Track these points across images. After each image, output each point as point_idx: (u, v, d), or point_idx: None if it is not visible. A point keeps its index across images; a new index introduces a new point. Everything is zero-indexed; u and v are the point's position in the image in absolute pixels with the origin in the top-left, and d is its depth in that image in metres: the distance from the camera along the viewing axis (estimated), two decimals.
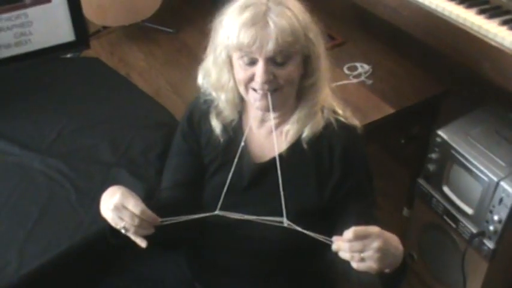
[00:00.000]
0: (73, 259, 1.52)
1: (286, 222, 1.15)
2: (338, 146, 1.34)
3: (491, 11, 1.72)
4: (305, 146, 1.35)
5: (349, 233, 1.04)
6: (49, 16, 2.36)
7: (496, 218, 1.72)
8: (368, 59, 2.23)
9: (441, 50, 1.82)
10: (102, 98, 2.19)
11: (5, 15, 2.28)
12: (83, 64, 2.51)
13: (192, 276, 1.53)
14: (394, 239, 1.11)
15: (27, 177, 1.76)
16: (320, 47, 1.32)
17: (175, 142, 1.51)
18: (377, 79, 2.13)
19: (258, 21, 1.22)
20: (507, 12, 1.71)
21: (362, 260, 1.05)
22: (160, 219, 1.15)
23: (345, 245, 1.05)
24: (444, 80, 2.13)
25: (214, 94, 1.40)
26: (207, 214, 1.20)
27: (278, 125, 1.38)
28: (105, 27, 3.73)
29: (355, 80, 2.13)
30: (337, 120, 1.36)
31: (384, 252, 1.05)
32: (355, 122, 1.38)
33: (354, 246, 1.04)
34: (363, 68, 2.18)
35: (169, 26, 3.82)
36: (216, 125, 1.41)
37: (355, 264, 1.06)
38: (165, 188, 1.47)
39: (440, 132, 1.87)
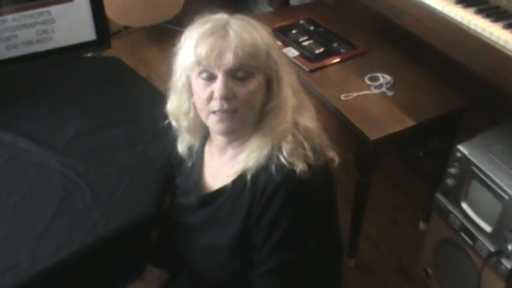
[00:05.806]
0: (85, 260, 1.51)
1: None
2: (270, 187, 1.21)
3: None
4: (248, 178, 1.24)
5: None
6: (71, 14, 2.37)
7: None
8: (390, 70, 2.20)
9: (465, 64, 1.80)
10: (121, 98, 2.19)
11: (28, 13, 2.29)
12: (103, 63, 2.51)
13: None
14: None
15: (44, 175, 1.75)
16: (283, 69, 1.24)
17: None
18: (398, 91, 2.11)
19: (217, 31, 1.19)
20: None
21: None
22: None
23: None
24: (466, 94, 2.10)
25: (174, 123, 1.39)
26: None
27: (237, 155, 1.31)
28: (126, 27, 3.75)
29: (376, 91, 2.10)
30: (278, 159, 1.21)
31: None
32: (299, 165, 1.19)
33: None
34: (384, 78, 2.15)
35: None
36: (182, 150, 1.45)
37: None
38: None
39: (460, 147, 1.84)
